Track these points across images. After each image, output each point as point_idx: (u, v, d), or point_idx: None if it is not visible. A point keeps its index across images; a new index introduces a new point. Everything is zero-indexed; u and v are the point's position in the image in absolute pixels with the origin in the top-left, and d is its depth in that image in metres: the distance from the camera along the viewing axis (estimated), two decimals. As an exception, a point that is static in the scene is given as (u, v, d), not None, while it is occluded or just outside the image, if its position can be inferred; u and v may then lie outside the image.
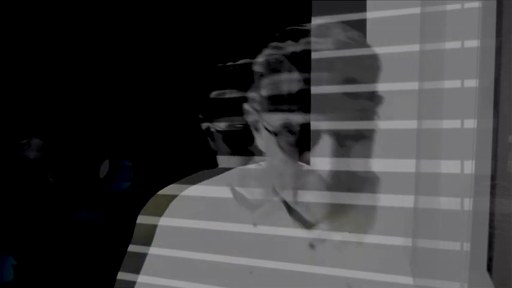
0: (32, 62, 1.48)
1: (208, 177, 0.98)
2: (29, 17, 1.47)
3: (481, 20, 0.79)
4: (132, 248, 1.02)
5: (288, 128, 0.74)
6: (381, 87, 0.83)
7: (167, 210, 0.96)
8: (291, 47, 0.73)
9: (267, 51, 0.76)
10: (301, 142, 0.73)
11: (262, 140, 0.80)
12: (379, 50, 0.84)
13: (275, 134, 0.75)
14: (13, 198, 1.49)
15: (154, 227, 0.96)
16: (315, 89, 0.72)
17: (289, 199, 0.80)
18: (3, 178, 1.50)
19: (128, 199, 1.37)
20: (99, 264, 1.32)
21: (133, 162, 1.39)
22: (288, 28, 0.76)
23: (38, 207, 1.49)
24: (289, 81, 0.72)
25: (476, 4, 0.79)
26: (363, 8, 0.85)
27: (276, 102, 0.74)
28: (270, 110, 0.75)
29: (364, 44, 0.76)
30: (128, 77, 1.37)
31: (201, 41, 1.25)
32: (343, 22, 0.79)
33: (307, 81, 0.71)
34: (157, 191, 1.04)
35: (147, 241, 0.96)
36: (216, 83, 1.04)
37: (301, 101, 0.72)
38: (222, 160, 1.08)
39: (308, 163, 0.74)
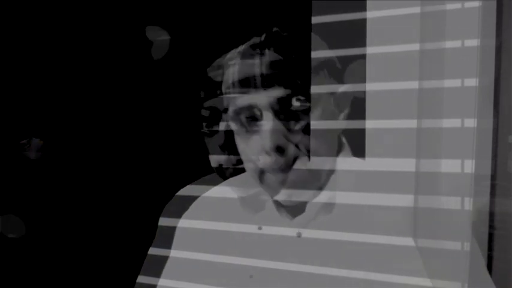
0: (32, 62, 1.48)
1: (216, 181, 0.99)
2: (29, 17, 1.47)
3: (481, 20, 0.79)
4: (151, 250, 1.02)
5: (239, 108, 0.81)
6: (381, 86, 0.83)
7: (185, 213, 0.98)
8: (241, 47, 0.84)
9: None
10: (253, 117, 0.81)
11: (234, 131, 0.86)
12: (379, 49, 0.84)
13: (236, 116, 0.83)
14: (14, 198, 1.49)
15: (174, 229, 0.97)
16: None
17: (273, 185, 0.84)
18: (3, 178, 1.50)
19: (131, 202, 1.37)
20: (118, 268, 1.32)
21: (143, 165, 1.38)
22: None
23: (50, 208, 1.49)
24: (232, 73, 0.82)
25: (476, 4, 0.79)
26: (363, 8, 0.85)
27: (230, 92, 0.84)
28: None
29: None
30: (131, 79, 1.37)
31: (203, 41, 1.25)
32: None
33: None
34: (163, 194, 1.04)
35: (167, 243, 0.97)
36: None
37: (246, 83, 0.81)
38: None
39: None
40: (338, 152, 0.86)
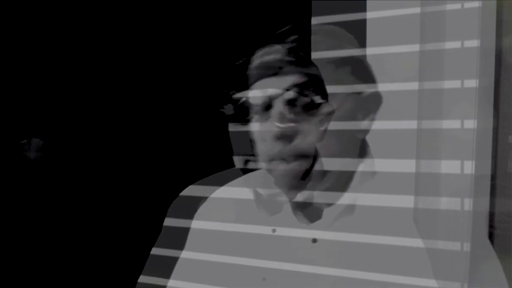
0: (32, 62, 1.48)
1: (230, 178, 0.97)
2: (29, 17, 1.47)
3: (481, 20, 0.79)
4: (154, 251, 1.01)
5: (253, 96, 0.80)
6: (381, 87, 0.83)
7: (197, 213, 0.96)
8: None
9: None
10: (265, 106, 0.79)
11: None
12: (379, 50, 0.84)
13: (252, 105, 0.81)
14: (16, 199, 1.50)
15: (185, 230, 0.96)
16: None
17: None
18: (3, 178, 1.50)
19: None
20: (121, 268, 1.32)
21: (151, 161, 1.38)
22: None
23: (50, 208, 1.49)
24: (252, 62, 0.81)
25: (476, 4, 0.79)
26: (363, 8, 0.85)
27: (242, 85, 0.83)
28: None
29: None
30: (137, 77, 1.37)
31: (203, 41, 1.25)
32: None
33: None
34: (175, 191, 1.03)
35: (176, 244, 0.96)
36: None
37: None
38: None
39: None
40: (359, 158, 0.83)
